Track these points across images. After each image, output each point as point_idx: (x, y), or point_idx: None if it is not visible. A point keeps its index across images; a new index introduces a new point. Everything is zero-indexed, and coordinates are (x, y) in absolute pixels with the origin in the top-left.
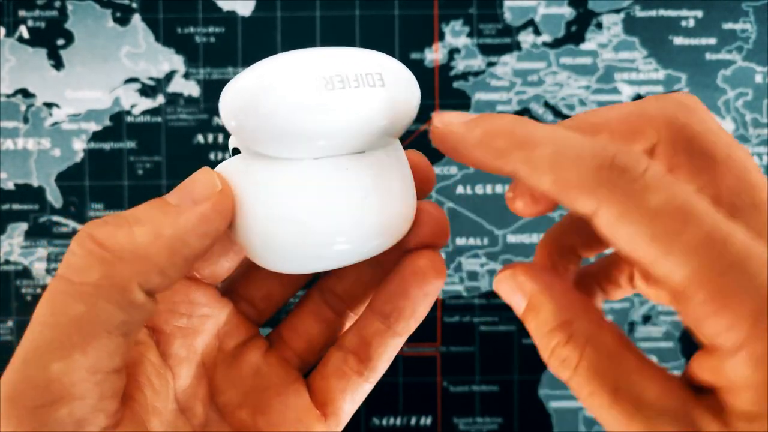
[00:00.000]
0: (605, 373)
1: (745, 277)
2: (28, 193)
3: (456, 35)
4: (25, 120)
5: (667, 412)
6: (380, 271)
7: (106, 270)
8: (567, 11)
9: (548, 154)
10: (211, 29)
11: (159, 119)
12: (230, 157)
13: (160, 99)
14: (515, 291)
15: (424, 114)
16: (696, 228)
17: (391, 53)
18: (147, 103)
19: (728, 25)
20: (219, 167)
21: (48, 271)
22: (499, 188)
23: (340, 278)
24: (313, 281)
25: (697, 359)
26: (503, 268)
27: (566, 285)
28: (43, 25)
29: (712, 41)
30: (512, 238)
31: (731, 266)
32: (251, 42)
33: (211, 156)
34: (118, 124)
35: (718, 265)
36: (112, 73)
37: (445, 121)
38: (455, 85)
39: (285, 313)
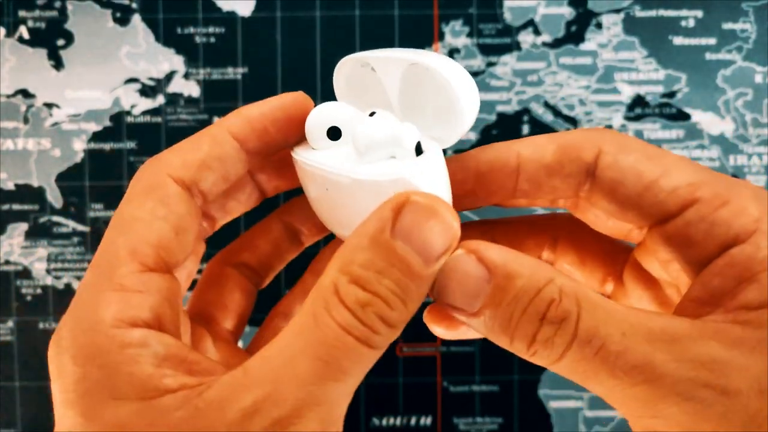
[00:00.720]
0: (608, 321)
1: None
2: (28, 193)
3: (456, 35)
4: (25, 120)
5: (685, 335)
6: (295, 240)
7: (388, 341)
8: (567, 11)
9: (546, 138)
10: (211, 29)
11: (159, 119)
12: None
13: (160, 99)
14: (480, 269)
15: None
16: (675, 157)
17: None
18: (147, 104)
19: (728, 25)
20: (424, 189)
21: (48, 271)
22: None
23: (252, 251)
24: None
25: (718, 263)
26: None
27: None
28: (43, 25)
29: (712, 41)
30: None
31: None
32: (251, 42)
33: None
34: (118, 124)
35: (707, 171)
36: (112, 73)
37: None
38: None
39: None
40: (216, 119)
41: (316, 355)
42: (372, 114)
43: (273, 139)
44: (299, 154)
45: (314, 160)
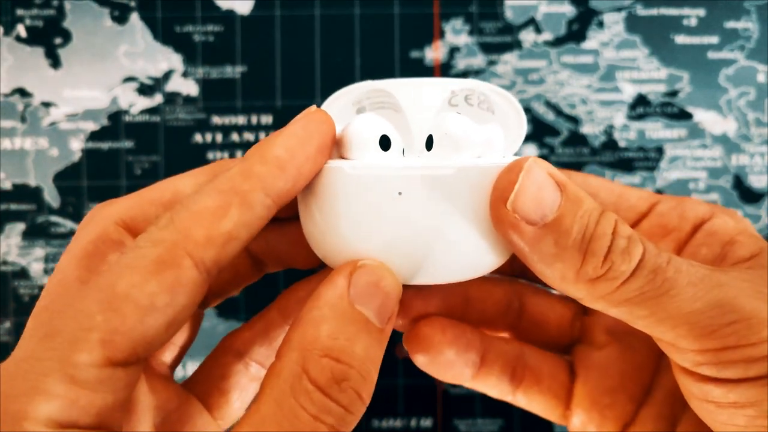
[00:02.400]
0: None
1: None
2: (25, 192)
3: (456, 34)
4: (23, 119)
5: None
6: (256, 269)
7: (354, 425)
8: (568, 9)
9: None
10: (209, 28)
11: (157, 118)
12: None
13: (158, 98)
14: (551, 181)
15: None
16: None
17: (391, 52)
18: (145, 103)
19: (730, 24)
20: None
21: (45, 271)
22: None
23: None
24: None
25: (699, 237)
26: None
27: None
28: (40, 23)
29: (714, 40)
30: None
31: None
32: (250, 41)
33: (209, 155)
34: (115, 123)
35: None
36: (110, 72)
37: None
38: None
39: None
40: (214, 119)
41: None
42: (458, 113)
43: (304, 181)
44: (349, 166)
45: (382, 165)
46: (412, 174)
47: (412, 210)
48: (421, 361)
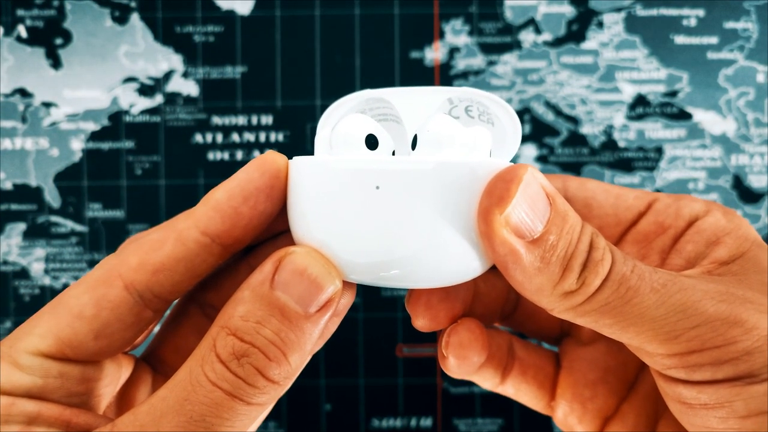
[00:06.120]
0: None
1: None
2: (26, 193)
3: (456, 34)
4: (23, 120)
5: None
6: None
7: (270, 396)
8: (568, 10)
9: None
10: (209, 28)
11: (157, 119)
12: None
13: (159, 98)
14: (543, 194)
15: None
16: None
17: (391, 52)
18: (145, 103)
19: (730, 24)
20: None
21: (46, 271)
22: None
23: (217, 292)
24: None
25: (688, 233)
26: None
27: None
28: (41, 24)
29: (714, 40)
30: None
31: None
32: (250, 41)
33: (210, 155)
34: (116, 123)
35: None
36: (110, 72)
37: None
38: (455, 84)
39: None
40: (214, 119)
41: (183, 411)
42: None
43: (250, 219)
44: (328, 159)
45: (360, 158)
46: (388, 168)
47: (389, 206)
48: (452, 363)
